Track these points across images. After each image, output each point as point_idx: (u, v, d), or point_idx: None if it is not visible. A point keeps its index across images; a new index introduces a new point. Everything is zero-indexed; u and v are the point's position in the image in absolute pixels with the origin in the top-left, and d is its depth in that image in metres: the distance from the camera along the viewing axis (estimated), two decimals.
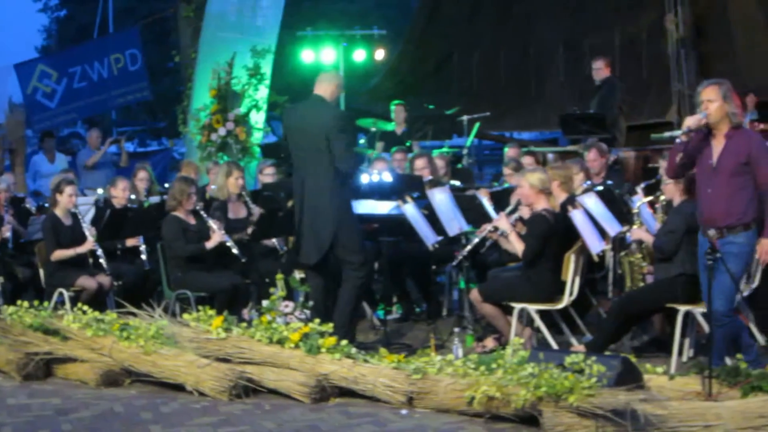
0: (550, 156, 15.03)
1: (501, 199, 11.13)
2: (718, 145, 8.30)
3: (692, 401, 7.60)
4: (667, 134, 16.29)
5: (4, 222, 11.72)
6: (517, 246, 9.85)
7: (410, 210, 10.51)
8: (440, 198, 10.71)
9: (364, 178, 11.25)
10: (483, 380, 7.77)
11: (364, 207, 10.62)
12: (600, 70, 16.03)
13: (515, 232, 9.93)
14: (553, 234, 9.70)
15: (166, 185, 12.81)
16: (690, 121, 8.32)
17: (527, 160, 12.85)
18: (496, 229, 10.13)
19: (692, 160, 8.49)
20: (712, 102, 8.19)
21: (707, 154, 8.36)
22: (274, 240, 11.45)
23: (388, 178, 11.29)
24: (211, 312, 9.09)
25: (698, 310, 9.09)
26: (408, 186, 11.50)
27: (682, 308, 9.14)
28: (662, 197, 9.70)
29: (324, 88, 9.74)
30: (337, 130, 9.50)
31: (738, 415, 7.26)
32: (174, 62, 19.61)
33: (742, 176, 8.20)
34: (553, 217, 9.77)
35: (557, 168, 10.67)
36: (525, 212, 10.06)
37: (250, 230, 11.27)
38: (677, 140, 8.48)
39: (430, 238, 10.52)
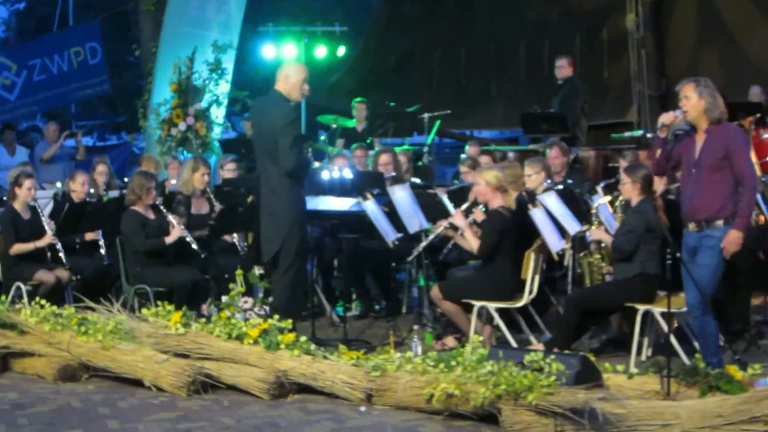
0: (510, 155, 15.04)
1: (459, 197, 11.14)
2: (699, 141, 8.41)
3: (651, 400, 7.62)
4: (627, 134, 16.48)
5: None
6: (472, 243, 9.86)
7: (371, 207, 10.50)
8: (401, 195, 10.71)
9: (325, 175, 11.24)
10: (442, 378, 7.77)
11: (325, 203, 10.62)
12: (563, 68, 16.07)
13: (471, 229, 9.94)
14: (509, 230, 9.72)
15: (126, 179, 12.73)
16: (664, 117, 8.43)
17: (484, 159, 12.87)
18: (452, 225, 10.13)
19: (679, 157, 8.56)
20: (689, 99, 8.32)
21: (690, 151, 8.46)
22: (234, 235, 11.41)
23: (348, 174, 11.28)
24: (170, 307, 9.05)
25: (657, 309, 9.14)
26: (368, 183, 11.49)
27: (641, 307, 9.18)
28: (621, 197, 9.75)
29: (282, 84, 9.54)
30: (282, 127, 9.31)
31: (696, 414, 7.28)
32: (134, 56, 19.50)
33: (720, 171, 8.28)
34: (510, 214, 9.80)
35: (506, 167, 10.67)
36: (478, 215, 10.06)
37: (206, 230, 11.24)
38: (653, 136, 8.59)
39: (390, 234, 10.51)
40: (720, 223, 8.31)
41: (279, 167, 9.33)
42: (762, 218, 10.52)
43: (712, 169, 8.29)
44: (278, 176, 9.37)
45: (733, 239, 8.28)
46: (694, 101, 8.31)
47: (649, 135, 16.53)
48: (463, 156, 13.50)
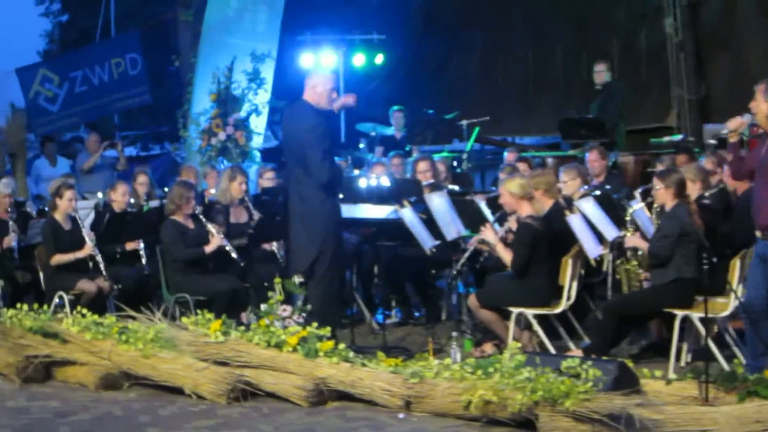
0: (549, 161, 15.03)
1: (498, 205, 11.14)
2: (766, 145, 8.27)
3: (689, 406, 7.62)
4: (666, 139, 16.41)
5: (9, 227, 11.73)
6: (504, 256, 9.85)
7: (408, 214, 10.52)
8: (438, 202, 10.73)
9: (363, 183, 11.28)
10: (480, 384, 7.79)
11: (362, 211, 10.66)
12: (601, 73, 16.06)
13: (501, 243, 9.93)
14: (540, 240, 9.72)
15: (166, 189, 12.83)
16: (731, 123, 8.29)
17: (521, 166, 12.86)
18: (483, 240, 10.12)
19: (752, 161, 8.41)
20: (757, 102, 8.14)
21: (760, 155, 8.31)
22: (273, 244, 11.48)
23: (386, 182, 11.32)
24: (210, 316, 9.11)
25: (695, 314, 9.11)
26: (406, 190, 11.52)
27: (680, 313, 9.16)
28: (656, 203, 9.74)
29: (309, 92, 9.59)
30: (311, 140, 9.37)
31: (734, 420, 7.29)
32: (174, 66, 19.63)
33: None
34: (539, 223, 9.79)
35: (539, 175, 10.66)
36: (513, 224, 10.06)
37: (246, 239, 11.31)
38: (729, 141, 8.44)
39: (427, 242, 10.53)
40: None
41: (311, 178, 9.39)
42: None
43: None
44: (311, 186, 9.43)
45: None
46: (759, 104, 8.15)
47: (690, 138, 16.54)
48: (504, 162, 13.53)
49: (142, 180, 13.21)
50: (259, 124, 16.83)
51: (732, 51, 20.16)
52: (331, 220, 9.58)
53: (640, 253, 9.76)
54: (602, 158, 12.41)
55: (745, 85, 19.78)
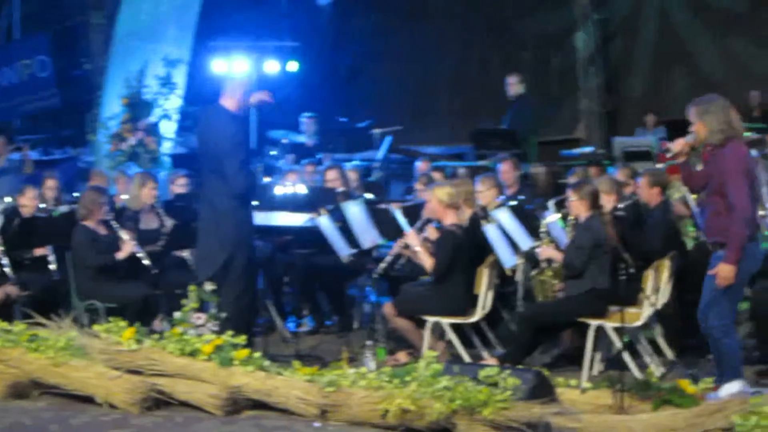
0: (460, 171, 15.09)
1: (413, 214, 11.15)
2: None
3: (604, 414, 7.69)
4: (577, 151, 16.60)
5: None
6: (426, 262, 9.88)
7: (325, 222, 10.49)
8: (354, 211, 10.70)
9: (278, 190, 11.22)
10: (397, 393, 7.77)
11: (278, 219, 10.60)
12: (513, 85, 16.18)
13: (425, 248, 9.96)
14: (461, 248, 9.75)
15: (74, 194, 12.63)
16: (673, 145, 8.33)
17: (437, 176, 12.89)
18: (406, 245, 10.14)
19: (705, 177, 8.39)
20: (693, 124, 8.17)
21: (707, 174, 8.29)
22: (186, 251, 11.36)
23: (302, 190, 11.26)
24: (123, 323, 8.97)
25: (609, 324, 9.20)
26: (322, 198, 11.48)
27: (594, 322, 9.24)
28: (570, 214, 9.83)
29: (225, 98, 9.53)
30: (229, 149, 9.29)
31: (649, 428, 7.38)
32: (81, 70, 19.37)
33: (719, 195, 8.08)
34: (462, 232, 9.83)
35: (459, 184, 10.70)
36: (431, 233, 10.09)
37: (161, 242, 11.18)
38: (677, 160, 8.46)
39: (344, 250, 10.50)
40: (718, 247, 8.13)
41: (226, 185, 9.30)
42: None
43: (712, 192, 8.13)
44: (226, 194, 9.34)
45: (720, 272, 8.02)
46: (696, 126, 8.19)
47: (600, 151, 16.76)
48: (418, 172, 13.57)
49: (50, 184, 12.96)
50: (169, 129, 16.68)
51: (639, 65, 20.51)
52: (243, 228, 9.50)
53: (554, 264, 9.84)
54: (514, 169, 12.49)
55: (651, 98, 20.25)
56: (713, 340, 8.15)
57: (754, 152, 8.62)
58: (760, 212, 8.77)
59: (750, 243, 8.04)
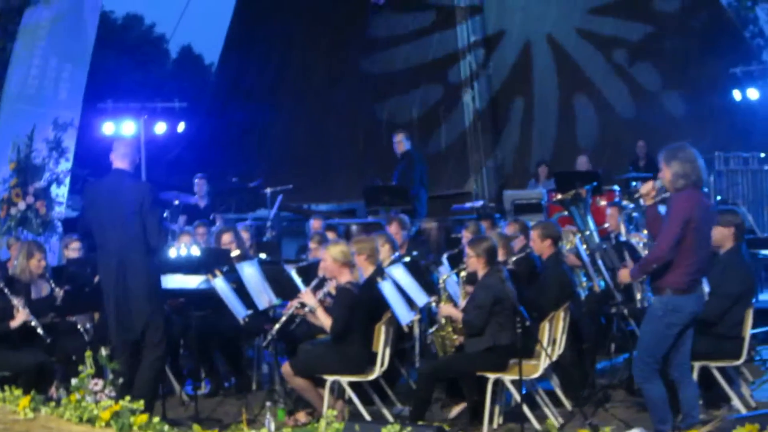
0: (353, 228, 15.17)
1: (309, 273, 11.17)
2: None
3: None
4: (468, 205, 16.76)
5: None
6: (324, 321, 9.88)
7: (220, 284, 10.47)
8: (249, 271, 10.68)
9: (172, 253, 11.17)
10: None
11: (173, 282, 10.55)
12: (400, 143, 16.33)
13: (322, 307, 9.97)
14: (358, 306, 9.78)
15: None
16: (642, 188, 8.48)
17: (330, 234, 12.92)
18: (302, 305, 10.14)
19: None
20: (661, 168, 8.34)
21: (654, 219, 8.50)
22: (80, 316, 11.22)
23: (196, 252, 11.23)
24: (18, 392, 8.82)
25: (507, 377, 9.29)
26: (217, 260, 11.44)
27: (492, 376, 9.32)
28: (463, 271, 9.90)
29: (123, 161, 9.70)
30: (150, 205, 9.52)
31: None
32: None
33: None
34: (358, 289, 9.87)
35: (362, 241, 10.77)
36: (333, 289, 10.11)
37: (52, 314, 11.03)
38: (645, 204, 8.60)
39: (240, 312, 10.48)
40: (655, 291, 8.31)
41: (140, 244, 9.45)
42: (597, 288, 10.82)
43: (659, 232, 8.30)
44: (139, 253, 9.49)
45: (620, 275, 8.49)
46: (664, 172, 8.31)
47: (491, 204, 16.96)
48: (311, 231, 13.61)
49: None
50: (60, 193, 16.49)
51: (527, 120, 20.88)
52: (158, 284, 9.79)
53: (454, 321, 9.88)
54: (402, 228, 12.55)
55: (538, 152, 20.60)
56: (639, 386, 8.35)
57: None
58: None
59: (682, 296, 8.24)
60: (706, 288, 9.46)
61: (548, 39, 21.09)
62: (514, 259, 10.56)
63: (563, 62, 20.98)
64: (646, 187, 8.49)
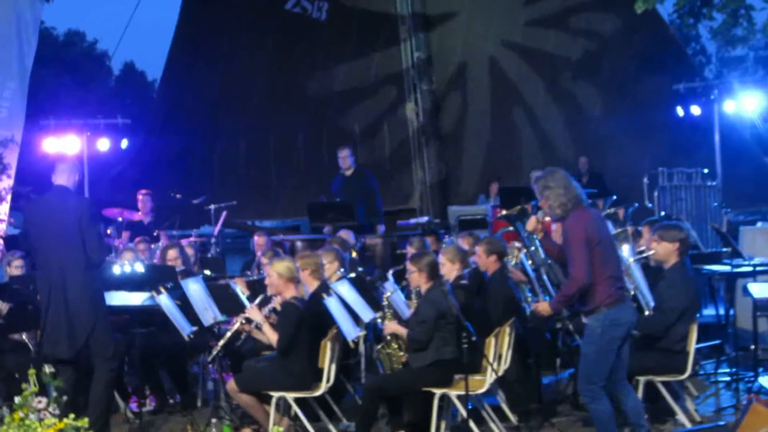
0: (298, 244, 15.17)
1: (258, 288, 11.16)
2: None
3: None
4: (413, 221, 16.80)
5: None
6: (270, 336, 9.86)
7: (164, 300, 10.42)
8: (194, 288, 10.65)
9: (116, 270, 11.11)
10: None
11: (117, 299, 10.50)
12: (345, 158, 16.38)
13: (268, 323, 9.95)
14: (304, 321, 9.77)
15: None
16: (528, 225, 8.58)
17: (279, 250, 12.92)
18: (248, 320, 10.12)
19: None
20: (539, 200, 8.41)
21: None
22: (23, 334, 11.12)
23: (140, 268, 11.18)
24: None
25: (453, 392, 9.31)
26: (161, 276, 11.39)
27: (438, 391, 9.34)
28: (411, 286, 9.93)
29: (64, 178, 9.79)
30: (89, 220, 9.60)
31: None
32: None
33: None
34: (303, 305, 9.86)
35: (307, 256, 10.78)
36: (278, 304, 10.10)
37: None
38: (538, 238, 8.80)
39: (185, 328, 10.44)
40: (590, 311, 8.32)
41: (81, 260, 9.50)
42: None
43: (568, 260, 8.35)
44: (79, 269, 9.56)
45: (539, 306, 8.67)
46: (541, 203, 8.41)
47: (436, 220, 17.03)
48: (260, 247, 13.59)
49: None
50: (2, 210, 16.33)
51: (470, 137, 20.96)
52: (103, 299, 9.86)
53: (399, 338, 9.88)
54: (344, 249, 12.55)
55: (482, 168, 20.67)
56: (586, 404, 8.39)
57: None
58: None
59: (616, 307, 8.29)
60: (651, 303, 9.57)
61: (490, 57, 21.21)
62: (465, 272, 10.57)
63: (504, 80, 21.11)
64: (531, 224, 8.60)
